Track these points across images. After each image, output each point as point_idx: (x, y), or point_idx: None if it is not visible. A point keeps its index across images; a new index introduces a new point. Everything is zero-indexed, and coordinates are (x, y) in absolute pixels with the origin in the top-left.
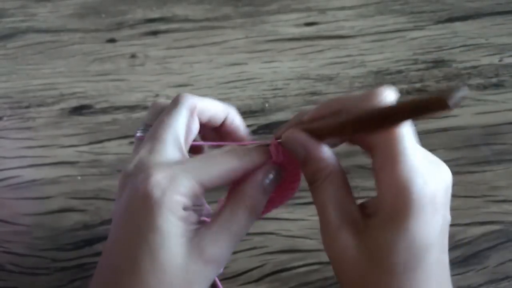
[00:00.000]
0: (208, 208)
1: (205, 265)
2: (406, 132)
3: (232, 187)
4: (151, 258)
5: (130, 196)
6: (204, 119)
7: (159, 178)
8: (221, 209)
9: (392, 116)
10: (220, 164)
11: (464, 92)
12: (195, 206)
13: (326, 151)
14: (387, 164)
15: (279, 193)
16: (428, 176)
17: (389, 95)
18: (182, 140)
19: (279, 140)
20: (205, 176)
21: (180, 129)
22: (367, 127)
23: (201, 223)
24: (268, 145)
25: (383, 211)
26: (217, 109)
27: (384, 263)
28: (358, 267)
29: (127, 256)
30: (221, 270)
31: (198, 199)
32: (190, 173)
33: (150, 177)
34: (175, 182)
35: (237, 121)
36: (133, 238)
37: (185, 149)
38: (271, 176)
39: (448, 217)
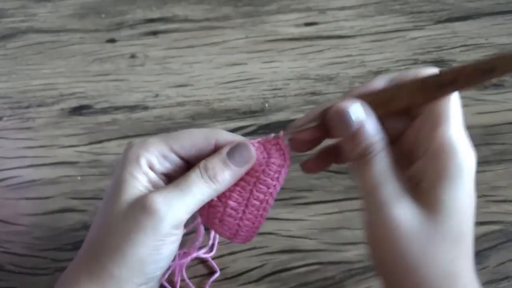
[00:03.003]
0: None
1: (143, 214)
2: (454, 102)
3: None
4: (105, 202)
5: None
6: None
7: (135, 142)
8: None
9: (452, 80)
10: (190, 132)
11: None
12: (165, 170)
13: (378, 124)
14: (436, 129)
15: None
16: (468, 146)
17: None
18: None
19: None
20: (174, 140)
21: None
22: (430, 94)
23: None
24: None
25: (431, 175)
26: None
27: (442, 227)
28: (416, 234)
29: (98, 213)
30: (168, 229)
31: (169, 163)
32: (162, 138)
33: (131, 143)
34: (146, 143)
35: (224, 136)
36: (105, 193)
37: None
38: (239, 150)
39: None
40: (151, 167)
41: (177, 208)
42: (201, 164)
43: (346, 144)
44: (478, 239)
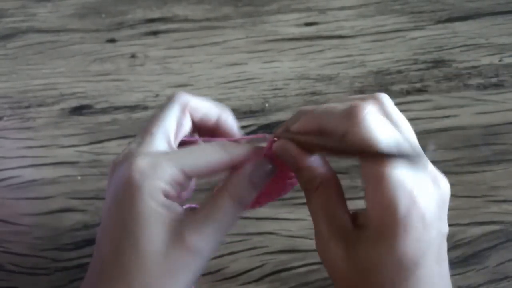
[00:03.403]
0: None
1: (187, 253)
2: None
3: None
4: (132, 244)
5: (114, 184)
6: (197, 117)
7: (141, 164)
8: (207, 200)
9: (365, 154)
10: (205, 154)
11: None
12: (177, 194)
13: (315, 161)
14: (372, 183)
15: (274, 187)
16: (418, 192)
17: (369, 113)
18: (171, 134)
19: (274, 137)
20: (188, 165)
21: (170, 123)
22: (347, 155)
23: (184, 214)
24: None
25: (371, 227)
26: (209, 108)
27: (372, 278)
28: (347, 279)
29: (110, 245)
30: (205, 262)
31: (181, 187)
32: (173, 160)
33: (134, 163)
34: (157, 168)
35: (230, 121)
36: (115, 225)
37: (175, 143)
38: (260, 169)
39: (444, 229)
40: (167, 196)
41: (214, 243)
42: (231, 192)
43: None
44: (478, 239)
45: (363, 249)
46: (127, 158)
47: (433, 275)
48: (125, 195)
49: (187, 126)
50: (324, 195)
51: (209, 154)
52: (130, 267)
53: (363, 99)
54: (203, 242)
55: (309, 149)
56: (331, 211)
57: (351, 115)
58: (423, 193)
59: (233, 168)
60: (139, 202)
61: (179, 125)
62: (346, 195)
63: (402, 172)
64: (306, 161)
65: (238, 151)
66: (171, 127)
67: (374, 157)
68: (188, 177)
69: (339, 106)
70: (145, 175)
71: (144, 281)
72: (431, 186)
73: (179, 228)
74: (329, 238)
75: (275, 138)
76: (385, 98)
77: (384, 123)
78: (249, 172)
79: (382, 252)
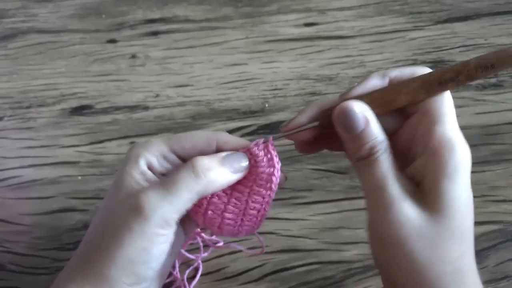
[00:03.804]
0: None
1: (131, 213)
2: (449, 99)
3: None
4: (103, 201)
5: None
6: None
7: (138, 143)
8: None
9: (459, 76)
10: (191, 133)
11: None
12: (164, 170)
13: (380, 125)
14: (433, 127)
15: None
16: (464, 143)
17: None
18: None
19: (280, 135)
20: (175, 141)
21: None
22: (433, 91)
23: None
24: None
25: (432, 173)
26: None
27: (446, 224)
28: (421, 233)
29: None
30: (152, 229)
31: (169, 163)
32: (163, 139)
33: (133, 144)
34: (147, 143)
35: (224, 138)
36: (104, 197)
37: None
38: (236, 156)
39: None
40: (150, 167)
41: (162, 208)
42: (193, 159)
43: (350, 144)
44: (477, 238)
45: (431, 196)
46: None
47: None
48: (120, 166)
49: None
50: (391, 158)
51: (195, 134)
52: (95, 227)
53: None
54: (149, 206)
55: (382, 105)
56: (398, 173)
57: (415, 67)
58: (465, 145)
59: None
60: (123, 168)
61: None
62: (346, 195)
63: (455, 119)
64: (377, 122)
65: (227, 137)
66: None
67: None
68: (175, 152)
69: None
70: (135, 147)
71: (96, 238)
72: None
73: (137, 192)
74: (403, 198)
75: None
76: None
77: None
78: (225, 154)
79: (451, 191)
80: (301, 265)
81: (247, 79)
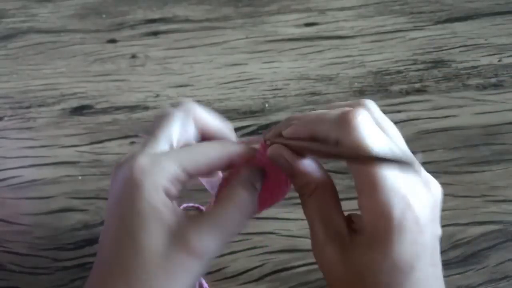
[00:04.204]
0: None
1: (188, 256)
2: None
3: (220, 189)
4: (132, 242)
5: (115, 183)
6: (200, 127)
7: (142, 162)
8: (210, 207)
9: (357, 159)
10: (204, 151)
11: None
12: (177, 193)
13: (310, 166)
14: (366, 189)
15: (268, 194)
16: (412, 197)
17: (361, 120)
18: (174, 138)
19: (265, 141)
20: (189, 162)
21: (174, 129)
22: (341, 159)
23: (186, 216)
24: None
25: (366, 232)
26: (213, 122)
27: (367, 282)
28: (342, 282)
29: (111, 244)
30: (206, 266)
31: (181, 185)
32: (174, 158)
33: (135, 162)
34: (158, 165)
35: (243, 157)
36: (116, 223)
37: (177, 147)
38: (257, 172)
39: (437, 232)
40: (167, 194)
41: (217, 248)
42: (239, 196)
43: (291, 181)
44: (477, 238)
45: (358, 254)
46: (129, 158)
47: (428, 277)
48: (126, 192)
49: (191, 132)
50: (319, 199)
51: (209, 152)
52: (130, 265)
53: (352, 106)
54: (206, 246)
55: (303, 154)
56: (327, 215)
57: (344, 122)
58: (417, 196)
59: (230, 167)
60: (139, 199)
61: (183, 130)
62: (346, 195)
63: (395, 177)
64: (300, 166)
65: (236, 149)
66: (174, 132)
67: (368, 162)
68: (189, 174)
69: (330, 112)
70: (146, 172)
71: (143, 281)
72: (424, 190)
73: (182, 230)
74: (325, 242)
75: (267, 142)
76: (371, 104)
77: (376, 129)
78: (248, 175)
79: (377, 257)
80: (301, 265)
81: (247, 79)
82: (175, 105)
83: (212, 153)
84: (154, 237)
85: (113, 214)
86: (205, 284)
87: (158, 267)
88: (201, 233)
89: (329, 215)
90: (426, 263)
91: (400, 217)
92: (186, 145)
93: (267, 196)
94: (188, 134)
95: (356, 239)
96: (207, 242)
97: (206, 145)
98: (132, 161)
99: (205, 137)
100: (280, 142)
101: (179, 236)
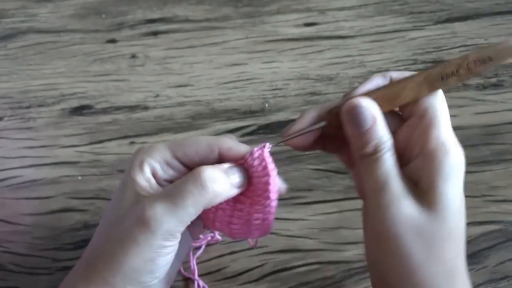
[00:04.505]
0: None
1: (136, 226)
2: (445, 104)
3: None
4: (109, 204)
5: None
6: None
7: (143, 146)
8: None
9: (459, 70)
10: (195, 139)
11: None
12: (167, 177)
13: (384, 124)
14: (430, 130)
15: (249, 205)
16: (458, 146)
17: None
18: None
19: (281, 141)
20: (180, 148)
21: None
22: (436, 85)
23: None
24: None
25: (429, 174)
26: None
27: (445, 222)
28: (421, 231)
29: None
30: (157, 241)
31: (172, 170)
32: (167, 144)
33: (139, 148)
34: (152, 148)
35: (226, 144)
36: (111, 201)
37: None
38: (241, 169)
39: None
40: (154, 174)
41: (168, 223)
42: (199, 171)
43: (357, 141)
44: (477, 238)
45: (430, 196)
46: None
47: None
48: (125, 171)
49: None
50: (394, 156)
51: (199, 140)
52: (100, 233)
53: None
54: (155, 215)
55: (387, 103)
56: (400, 172)
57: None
58: (461, 151)
59: (221, 160)
60: (128, 174)
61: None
62: (346, 195)
63: (449, 123)
64: (383, 120)
65: (227, 142)
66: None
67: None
68: (178, 158)
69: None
70: (139, 153)
71: (102, 246)
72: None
73: (141, 200)
74: (404, 195)
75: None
76: None
77: None
78: (227, 166)
79: (449, 193)
80: (301, 265)
81: (247, 79)
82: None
83: (201, 141)
84: (122, 206)
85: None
86: (204, 286)
87: (113, 234)
88: (152, 203)
89: (401, 171)
90: (464, 223)
91: (456, 158)
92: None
93: (247, 205)
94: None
95: (420, 186)
96: (157, 211)
97: (199, 138)
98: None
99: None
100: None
101: (135, 207)
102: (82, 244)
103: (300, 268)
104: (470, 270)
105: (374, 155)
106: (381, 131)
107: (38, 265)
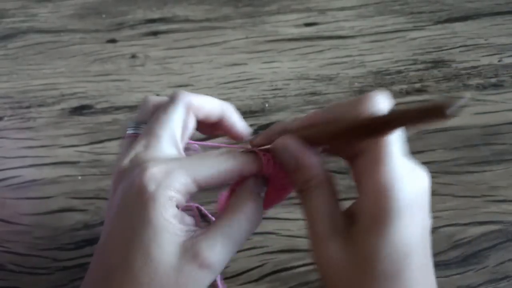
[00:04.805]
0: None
1: (199, 269)
2: (394, 138)
3: (225, 198)
4: (143, 253)
5: (124, 190)
6: (200, 116)
7: (154, 172)
8: (219, 216)
9: (388, 124)
10: (216, 163)
11: (464, 100)
12: (188, 207)
13: (315, 159)
14: (371, 169)
15: (269, 199)
16: (407, 181)
17: (381, 100)
18: (178, 137)
19: (267, 147)
20: (201, 174)
21: (176, 126)
22: (362, 134)
23: (196, 227)
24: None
25: (365, 217)
26: (213, 106)
27: (369, 271)
28: (345, 276)
29: (119, 251)
30: (216, 277)
31: (191, 196)
32: (186, 169)
33: (146, 170)
34: (171, 177)
35: (234, 118)
36: (125, 232)
37: (181, 146)
38: (260, 180)
39: (427, 221)
40: (178, 206)
41: (227, 259)
42: (248, 207)
43: (291, 177)
44: (477, 238)
45: (359, 242)
46: (137, 163)
47: (422, 268)
48: (137, 203)
49: (191, 127)
50: (324, 194)
51: (221, 165)
52: (140, 275)
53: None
54: (217, 257)
55: (310, 144)
56: (329, 210)
57: (364, 98)
58: (411, 181)
59: (240, 179)
60: (152, 211)
61: (184, 126)
62: (346, 195)
63: (398, 161)
64: (307, 158)
65: (245, 161)
66: (177, 130)
67: (386, 128)
68: (199, 186)
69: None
70: (158, 184)
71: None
72: (416, 176)
73: (192, 243)
74: (328, 237)
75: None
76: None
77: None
78: (253, 184)
79: (376, 242)
80: (301, 265)
81: (247, 79)
82: (171, 96)
83: (224, 166)
84: (166, 250)
85: (121, 222)
86: (219, 284)
87: (169, 279)
88: (211, 245)
89: (332, 210)
90: (420, 253)
91: (398, 198)
92: (188, 147)
93: (267, 200)
94: (189, 128)
95: (354, 229)
96: (218, 253)
97: (217, 156)
98: (142, 168)
99: (204, 125)
100: (291, 131)
101: (190, 249)
102: (82, 244)
103: (300, 268)
104: (470, 270)
105: (302, 192)
106: (306, 170)
107: (38, 265)
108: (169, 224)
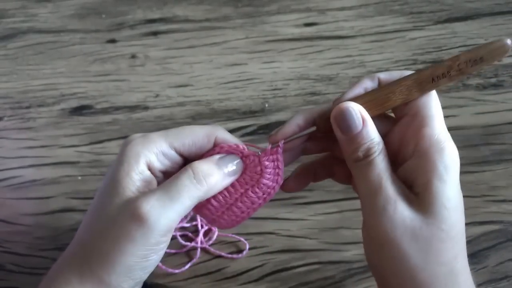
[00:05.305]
0: None
1: (130, 220)
2: (437, 98)
3: None
4: (97, 204)
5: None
6: (186, 150)
7: (135, 137)
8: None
9: (450, 71)
10: (191, 130)
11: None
12: (164, 168)
13: (374, 127)
14: (427, 124)
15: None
16: (451, 145)
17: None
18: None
19: (282, 141)
20: (175, 138)
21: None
22: (426, 87)
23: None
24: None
25: (426, 171)
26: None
27: (436, 223)
28: (415, 233)
29: (93, 203)
30: (155, 237)
31: (170, 162)
32: (162, 133)
33: (130, 137)
34: (146, 139)
35: (228, 141)
36: (100, 188)
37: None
38: (230, 157)
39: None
40: (149, 166)
41: (167, 217)
42: (193, 166)
43: (347, 146)
44: (477, 238)
45: (424, 197)
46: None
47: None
48: (114, 162)
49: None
50: (386, 161)
51: (195, 130)
52: (91, 230)
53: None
54: (147, 209)
55: (377, 107)
56: (392, 173)
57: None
58: (453, 146)
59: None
60: (120, 167)
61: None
62: (346, 195)
63: (443, 123)
64: (373, 124)
65: (225, 135)
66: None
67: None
68: (179, 152)
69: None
70: (133, 144)
71: (94, 244)
72: (453, 144)
73: (135, 198)
74: (396, 198)
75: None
76: None
77: None
78: (219, 156)
79: (442, 192)
80: (301, 265)
81: (247, 79)
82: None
83: (199, 131)
84: (113, 202)
85: (104, 179)
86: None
87: (107, 232)
88: (148, 198)
89: (393, 174)
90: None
91: (448, 157)
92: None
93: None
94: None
95: (416, 186)
96: (150, 206)
97: (196, 128)
98: (128, 138)
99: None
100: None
101: (130, 203)
102: None
103: (300, 268)
104: (470, 270)
105: (365, 159)
106: (371, 134)
107: (38, 265)
108: (126, 177)
